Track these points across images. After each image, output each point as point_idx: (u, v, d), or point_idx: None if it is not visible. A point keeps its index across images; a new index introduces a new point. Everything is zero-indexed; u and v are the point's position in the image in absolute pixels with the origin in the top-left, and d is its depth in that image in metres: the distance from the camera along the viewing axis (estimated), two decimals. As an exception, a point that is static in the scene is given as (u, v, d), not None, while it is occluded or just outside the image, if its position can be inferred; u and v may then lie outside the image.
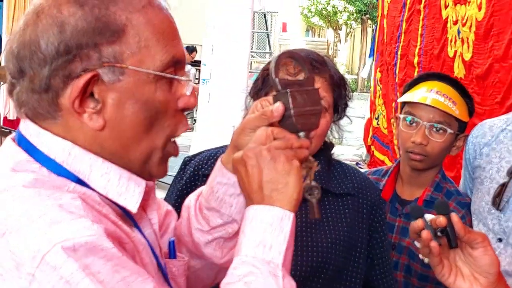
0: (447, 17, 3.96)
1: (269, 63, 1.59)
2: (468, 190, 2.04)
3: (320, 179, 1.56)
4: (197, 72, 5.85)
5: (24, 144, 0.93)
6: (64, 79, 0.89)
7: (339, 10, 24.33)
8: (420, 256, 1.16)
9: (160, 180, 1.12)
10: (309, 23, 27.48)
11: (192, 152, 1.63)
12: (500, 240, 1.78)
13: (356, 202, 1.64)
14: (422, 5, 4.16)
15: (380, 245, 1.68)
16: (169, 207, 1.23)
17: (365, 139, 6.51)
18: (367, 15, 22.43)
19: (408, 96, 2.04)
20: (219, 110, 4.36)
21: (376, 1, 5.52)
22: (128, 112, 0.92)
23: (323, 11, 25.02)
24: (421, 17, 4.17)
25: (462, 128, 2.01)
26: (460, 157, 2.42)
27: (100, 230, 0.81)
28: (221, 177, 1.13)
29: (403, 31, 4.38)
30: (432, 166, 2.02)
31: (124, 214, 0.96)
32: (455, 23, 3.85)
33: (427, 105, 1.95)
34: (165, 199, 1.65)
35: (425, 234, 1.10)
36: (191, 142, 4.89)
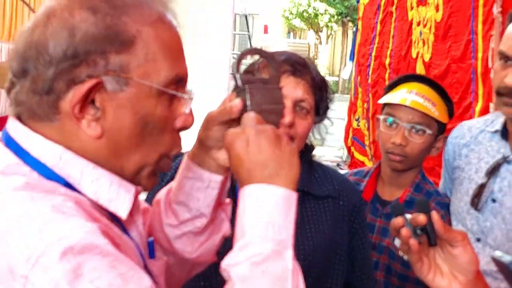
0: (412, 18, 4.00)
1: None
2: (447, 191, 2.06)
3: (301, 182, 1.57)
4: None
5: (13, 146, 0.92)
6: (67, 83, 0.88)
7: (320, 13, 24.41)
8: (400, 253, 1.17)
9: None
10: (290, 25, 27.53)
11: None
12: (478, 240, 1.80)
13: (337, 204, 1.64)
14: (394, 7, 4.20)
15: (361, 247, 1.69)
16: (146, 205, 1.23)
17: (345, 140, 6.55)
18: (348, 18, 22.54)
19: (388, 98, 2.05)
20: (200, 111, 4.34)
21: (356, 4, 5.54)
22: (126, 123, 0.91)
23: (304, 14, 25.08)
24: (393, 19, 4.21)
25: (442, 130, 2.03)
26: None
27: (94, 227, 0.81)
28: (187, 171, 1.15)
29: (377, 33, 4.42)
30: (411, 167, 2.04)
31: (113, 219, 0.96)
32: (418, 24, 3.90)
33: (406, 106, 1.97)
34: (146, 200, 1.64)
35: (404, 231, 1.11)
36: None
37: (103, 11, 0.90)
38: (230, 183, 1.21)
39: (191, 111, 1.00)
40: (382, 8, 4.30)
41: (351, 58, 6.35)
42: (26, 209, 0.81)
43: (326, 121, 1.68)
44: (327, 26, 25.52)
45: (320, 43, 27.65)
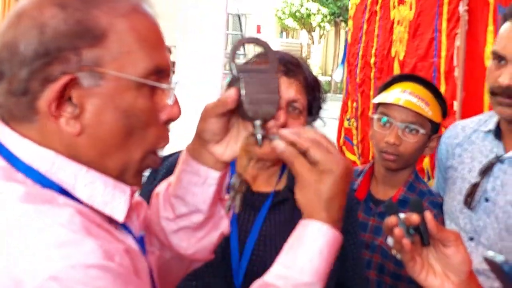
0: (394, 18, 4.02)
1: (244, 64, 1.58)
2: (441, 190, 2.06)
3: (293, 183, 1.57)
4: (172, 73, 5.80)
5: (3, 152, 0.90)
6: (42, 82, 0.87)
7: (312, 13, 24.45)
8: (393, 252, 1.17)
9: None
10: (283, 25, 27.56)
11: (166, 153, 1.62)
12: (471, 239, 1.80)
13: None
14: (378, 6, 4.22)
15: (352, 247, 1.69)
16: (139, 199, 1.22)
17: (337, 140, 6.55)
18: (340, 18, 22.59)
19: (382, 97, 2.05)
20: (194, 111, 4.34)
21: (348, 4, 5.53)
22: (106, 118, 0.90)
23: (297, 13, 25.11)
24: (377, 18, 4.23)
25: (435, 129, 2.03)
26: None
27: (104, 248, 0.80)
28: (185, 165, 1.12)
29: (364, 32, 4.44)
30: (405, 166, 2.04)
31: (111, 220, 0.95)
32: (398, 23, 3.93)
33: (400, 106, 1.97)
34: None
35: (397, 231, 1.11)
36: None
37: (73, 6, 0.88)
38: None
39: (176, 102, 0.98)
40: (368, 7, 4.32)
41: (343, 62, 6.36)
42: (35, 227, 0.79)
43: (318, 121, 1.68)
44: (319, 26, 25.57)
45: (313, 43, 27.70)
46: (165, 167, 1.64)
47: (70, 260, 0.76)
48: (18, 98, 0.88)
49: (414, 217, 1.11)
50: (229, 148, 1.10)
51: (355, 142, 4.69)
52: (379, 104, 2.06)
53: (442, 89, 3.28)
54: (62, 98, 0.88)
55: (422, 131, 1.98)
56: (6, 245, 0.78)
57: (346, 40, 6.01)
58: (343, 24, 22.11)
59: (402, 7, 3.77)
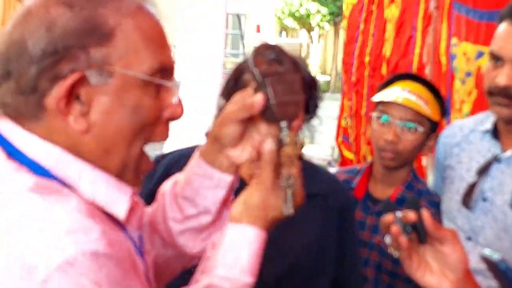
0: (386, 17, 4.05)
1: (240, 63, 1.59)
2: (439, 190, 2.07)
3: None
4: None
5: (8, 148, 0.90)
6: (51, 80, 0.87)
7: (311, 13, 24.44)
8: (390, 250, 1.18)
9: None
10: (282, 25, 27.55)
11: (164, 152, 1.63)
12: (469, 238, 1.81)
13: (326, 202, 1.64)
14: (374, 6, 4.25)
15: (350, 245, 1.70)
16: (138, 199, 1.22)
17: (336, 139, 6.57)
18: (339, 17, 22.57)
19: (381, 96, 2.06)
20: (193, 110, 4.36)
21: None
22: (113, 116, 0.91)
23: (296, 13, 25.09)
24: (373, 17, 4.26)
25: (434, 128, 2.04)
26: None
27: (108, 235, 0.82)
28: (198, 168, 1.13)
29: (360, 31, 4.46)
30: (403, 164, 2.05)
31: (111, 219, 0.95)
32: (389, 22, 3.96)
33: (399, 104, 1.98)
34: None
35: (395, 229, 1.12)
36: (164, 143, 4.86)
37: (79, 5, 0.89)
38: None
39: (179, 102, 0.99)
40: (365, 7, 4.35)
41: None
42: (44, 215, 0.81)
43: (316, 120, 1.69)
44: (319, 25, 25.56)
45: (312, 42, 27.69)
46: (163, 166, 1.65)
47: (82, 246, 0.77)
48: (26, 96, 0.89)
49: (411, 215, 1.11)
50: (244, 151, 1.11)
51: (350, 140, 4.71)
52: (378, 103, 2.07)
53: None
54: (71, 96, 0.89)
55: (420, 129, 1.99)
56: (17, 234, 0.79)
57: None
58: (342, 24, 22.11)
59: (393, 6, 3.81)
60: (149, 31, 0.94)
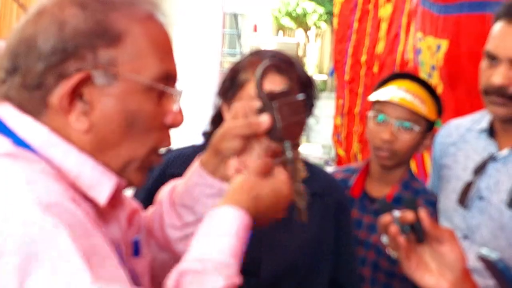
0: (381, 16, 4.09)
1: (236, 63, 1.59)
2: (436, 189, 2.07)
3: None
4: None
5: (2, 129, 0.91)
6: (56, 77, 0.89)
7: (308, 12, 24.46)
8: (387, 250, 1.18)
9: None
10: (279, 24, 27.55)
11: (162, 151, 1.63)
12: (465, 237, 1.81)
13: (323, 201, 1.65)
14: (371, 5, 4.28)
15: (346, 244, 1.70)
16: (136, 205, 1.23)
17: (332, 138, 6.60)
18: (337, 17, 22.54)
19: (378, 95, 2.06)
20: (190, 109, 4.35)
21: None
22: (114, 118, 0.92)
23: (293, 13, 25.10)
24: (370, 16, 4.29)
25: (430, 127, 2.04)
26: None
27: (70, 194, 0.84)
28: (198, 177, 1.14)
29: (355, 30, 4.47)
30: (399, 163, 2.05)
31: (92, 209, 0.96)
32: (384, 21, 4.00)
33: (395, 103, 1.98)
34: (134, 196, 1.64)
35: (393, 229, 1.12)
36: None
37: (93, 7, 0.91)
38: None
39: (180, 110, 1.01)
40: (359, 6, 4.37)
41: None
42: (8, 171, 0.83)
43: (312, 119, 1.69)
44: (315, 25, 25.57)
45: (309, 41, 27.71)
46: (160, 165, 1.64)
47: (36, 195, 0.79)
48: (30, 91, 0.90)
49: (410, 215, 1.11)
50: (246, 163, 1.12)
51: (342, 138, 4.73)
52: (374, 102, 2.07)
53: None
54: (74, 94, 0.90)
55: (416, 128, 1.99)
56: None
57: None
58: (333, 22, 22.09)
59: (388, 5, 3.84)
60: (158, 39, 0.97)
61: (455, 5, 2.68)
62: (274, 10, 26.12)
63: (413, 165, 2.93)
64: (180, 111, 1.01)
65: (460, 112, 2.60)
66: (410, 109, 1.97)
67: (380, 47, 3.91)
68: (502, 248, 1.71)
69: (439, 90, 2.73)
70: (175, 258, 1.20)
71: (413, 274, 1.15)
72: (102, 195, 0.95)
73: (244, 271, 1.50)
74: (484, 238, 1.77)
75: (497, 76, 1.66)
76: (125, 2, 0.95)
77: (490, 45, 1.70)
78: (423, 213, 1.11)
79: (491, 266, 1.25)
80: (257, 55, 1.57)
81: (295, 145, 1.10)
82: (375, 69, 3.93)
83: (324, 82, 21.84)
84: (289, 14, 25.49)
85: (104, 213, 0.98)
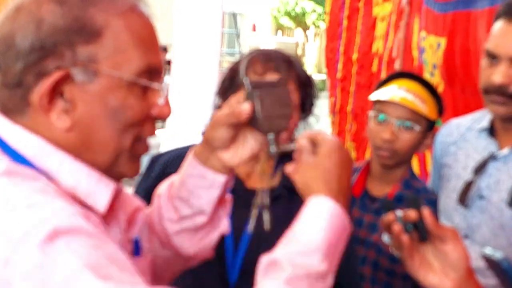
0: (377, 14, 4.09)
1: (236, 62, 1.59)
2: (436, 188, 2.07)
3: (287, 179, 1.58)
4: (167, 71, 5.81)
5: None
6: (36, 76, 0.88)
7: (307, 11, 24.49)
8: (391, 249, 1.17)
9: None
10: (278, 24, 27.59)
11: (161, 151, 1.63)
12: (466, 236, 1.81)
13: None
14: (361, 3, 4.28)
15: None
16: (139, 203, 1.22)
17: (330, 135, 6.64)
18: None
19: (378, 94, 2.06)
20: (189, 109, 4.35)
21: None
22: (97, 115, 0.91)
23: (292, 12, 25.14)
24: (360, 15, 4.29)
25: (431, 127, 2.04)
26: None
27: (76, 210, 0.82)
28: (191, 168, 1.13)
29: (344, 28, 4.48)
30: (400, 162, 2.05)
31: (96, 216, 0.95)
32: (382, 20, 4.00)
33: (396, 103, 1.98)
34: (135, 193, 1.64)
35: (396, 228, 1.11)
36: (161, 141, 4.86)
37: (71, 3, 0.90)
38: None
39: (167, 102, 0.99)
40: (347, 4, 4.37)
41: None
42: (9, 193, 0.81)
43: (312, 118, 1.69)
44: (314, 24, 25.60)
45: (308, 41, 27.73)
46: (160, 165, 1.64)
47: (38, 218, 0.77)
48: (11, 90, 0.89)
49: (413, 214, 1.11)
50: (237, 154, 1.11)
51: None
52: (375, 102, 2.07)
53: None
54: (55, 92, 0.89)
55: (417, 128, 1.99)
56: None
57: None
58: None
59: (387, 4, 3.85)
60: (139, 31, 0.94)
61: (452, 3, 2.68)
62: (273, 9, 26.15)
63: (415, 165, 2.93)
64: (166, 103, 0.99)
65: (456, 110, 2.60)
66: (411, 108, 1.97)
67: (380, 47, 3.91)
68: (502, 247, 1.71)
69: (440, 88, 2.73)
70: (177, 255, 1.20)
71: (416, 273, 1.15)
72: (101, 203, 0.94)
73: (244, 271, 1.51)
74: (485, 237, 1.77)
75: (497, 75, 1.66)
76: None
77: (490, 44, 1.70)
78: (426, 212, 1.11)
79: (495, 265, 1.24)
80: (255, 55, 1.57)
81: (279, 140, 1.08)
82: (374, 68, 3.93)
83: (323, 81, 21.85)
84: (288, 14, 25.52)
85: (104, 217, 0.97)
